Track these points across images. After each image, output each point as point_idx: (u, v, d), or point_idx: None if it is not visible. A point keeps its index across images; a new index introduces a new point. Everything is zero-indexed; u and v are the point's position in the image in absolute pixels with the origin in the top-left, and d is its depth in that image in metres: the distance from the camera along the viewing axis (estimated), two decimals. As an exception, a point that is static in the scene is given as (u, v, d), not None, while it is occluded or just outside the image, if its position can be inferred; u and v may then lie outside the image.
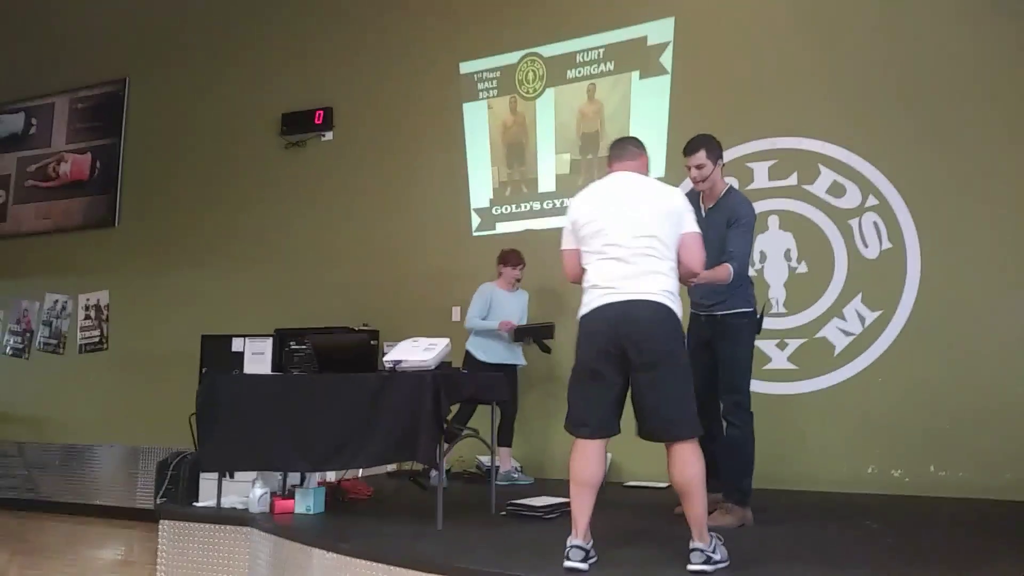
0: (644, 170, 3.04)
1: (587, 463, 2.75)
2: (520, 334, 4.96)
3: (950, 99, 4.67)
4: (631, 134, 5.51)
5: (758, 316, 3.60)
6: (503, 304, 5.05)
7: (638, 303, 2.71)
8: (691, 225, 2.87)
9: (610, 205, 2.84)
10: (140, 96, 7.59)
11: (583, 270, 2.89)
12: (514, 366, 5.04)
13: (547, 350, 5.10)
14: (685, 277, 2.94)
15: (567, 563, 2.66)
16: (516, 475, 4.96)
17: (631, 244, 2.76)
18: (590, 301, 2.79)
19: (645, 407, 2.74)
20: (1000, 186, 4.52)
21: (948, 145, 4.65)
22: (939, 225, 4.63)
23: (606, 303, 2.74)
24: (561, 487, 4.63)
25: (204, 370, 5.37)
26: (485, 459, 4.98)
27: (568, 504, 3.74)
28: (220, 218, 6.98)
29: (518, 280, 5.16)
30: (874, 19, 4.92)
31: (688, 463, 2.67)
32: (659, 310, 2.73)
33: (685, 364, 2.78)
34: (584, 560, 2.66)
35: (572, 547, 2.68)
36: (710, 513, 3.18)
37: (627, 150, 3.04)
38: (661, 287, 2.75)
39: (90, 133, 7.81)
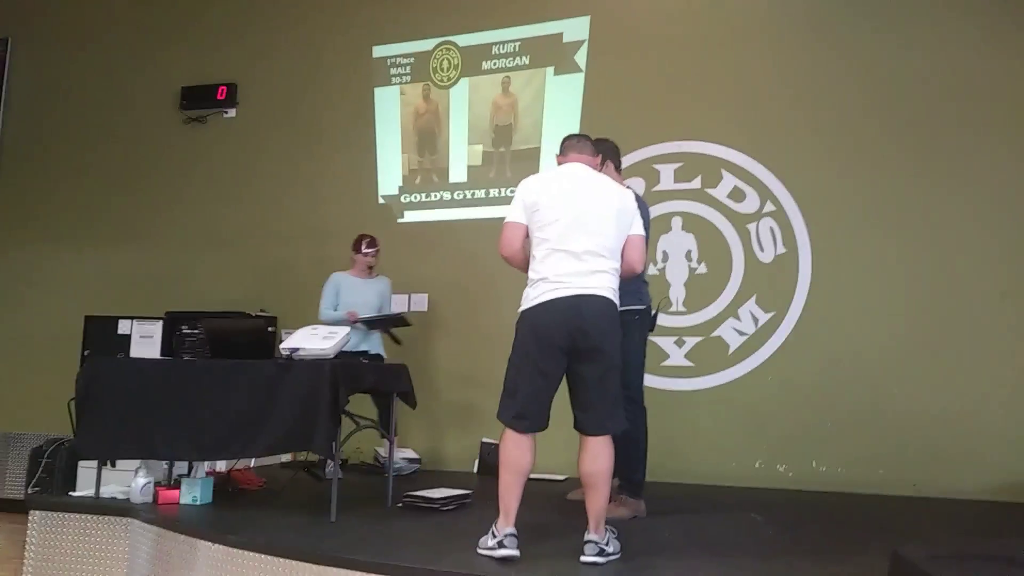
0: (596, 169, 3.07)
1: (523, 453, 2.76)
2: (371, 324, 4.80)
3: (846, 114, 4.91)
4: (544, 129, 5.58)
5: (652, 313, 3.69)
6: (354, 292, 4.87)
7: (589, 298, 2.73)
8: (639, 228, 2.93)
9: (569, 198, 2.82)
10: (23, 59, 7.04)
11: (523, 249, 2.88)
12: (377, 355, 4.86)
13: (397, 342, 5.01)
14: (626, 275, 2.98)
15: (502, 551, 2.65)
16: (399, 463, 4.79)
17: (584, 241, 2.76)
18: (539, 295, 2.76)
19: (588, 401, 2.76)
20: (888, 197, 4.79)
21: (842, 157, 4.89)
22: (830, 232, 4.87)
23: (557, 297, 2.73)
24: (457, 479, 4.64)
25: (87, 352, 5.07)
26: (383, 450, 4.91)
27: (466, 496, 3.78)
28: (111, 193, 6.58)
29: (371, 267, 4.99)
30: (777, 32, 5.12)
31: (601, 456, 2.73)
32: (608, 306, 2.78)
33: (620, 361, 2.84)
34: (516, 547, 2.68)
35: (507, 535, 2.68)
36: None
37: (586, 146, 3.06)
38: (608, 284, 2.79)
39: (-36, 96, 7.21)
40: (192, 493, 3.70)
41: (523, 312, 2.82)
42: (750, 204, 5.05)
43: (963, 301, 4.57)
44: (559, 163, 3.05)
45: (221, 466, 4.37)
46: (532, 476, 4.74)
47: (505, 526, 2.71)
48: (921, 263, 4.67)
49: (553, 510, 3.68)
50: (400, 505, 3.70)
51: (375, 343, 4.93)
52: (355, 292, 4.86)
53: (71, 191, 6.69)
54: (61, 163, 6.77)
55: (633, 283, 3.41)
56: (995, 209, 4.59)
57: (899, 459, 4.49)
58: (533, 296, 2.79)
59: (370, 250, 4.94)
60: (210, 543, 3.10)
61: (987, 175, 4.63)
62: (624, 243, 2.90)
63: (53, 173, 6.78)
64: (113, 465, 3.94)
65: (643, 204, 3.65)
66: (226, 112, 6.38)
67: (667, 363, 5.02)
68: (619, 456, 3.39)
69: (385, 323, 4.86)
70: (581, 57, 5.53)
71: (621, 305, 3.44)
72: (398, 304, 5.70)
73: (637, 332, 3.58)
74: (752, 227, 5.02)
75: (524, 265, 2.89)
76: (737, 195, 5.08)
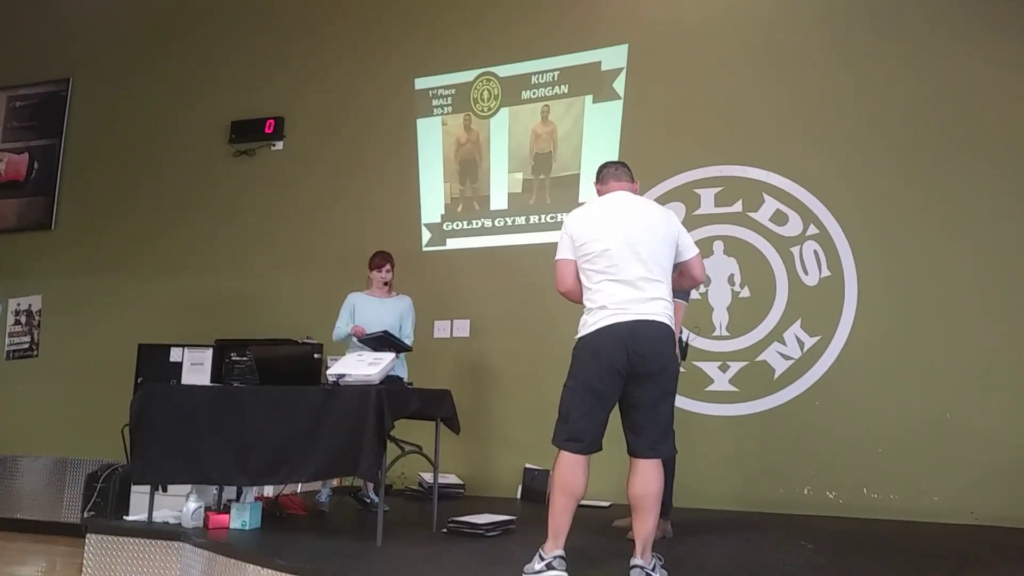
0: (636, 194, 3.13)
1: (579, 476, 2.77)
2: (367, 342, 4.48)
3: (889, 135, 4.86)
4: (583, 156, 5.63)
5: (684, 342, 3.70)
6: (369, 311, 4.70)
7: (647, 324, 2.77)
8: (692, 248, 3.00)
9: (616, 226, 2.86)
10: (84, 97, 7.37)
11: (579, 283, 2.92)
12: (397, 377, 4.61)
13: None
14: (690, 288, 3.13)
15: (551, 573, 2.69)
16: (367, 499, 4.51)
17: (637, 268, 2.81)
18: (597, 321, 2.79)
19: (641, 424, 2.79)
20: (933, 217, 4.71)
21: (886, 178, 4.84)
22: (875, 255, 4.80)
23: (616, 322, 2.76)
24: (501, 504, 4.64)
25: (140, 380, 5.21)
26: (428, 476, 4.93)
27: (510, 522, 3.77)
28: (162, 224, 6.80)
29: (386, 284, 4.81)
30: (820, 56, 5.10)
31: (651, 479, 2.75)
32: (666, 332, 2.82)
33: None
34: (565, 570, 2.71)
35: (556, 557, 2.71)
36: (631, 528, 3.32)
37: (624, 173, 3.12)
38: (664, 310, 2.83)
39: (29, 132, 7.54)
40: (241, 518, 3.77)
41: (582, 338, 2.85)
42: (793, 227, 5.00)
43: (1015, 322, 4.45)
44: (599, 192, 3.10)
45: (269, 491, 4.44)
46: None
47: (554, 548, 2.73)
48: (971, 284, 4.58)
49: (598, 536, 3.66)
50: (445, 530, 3.71)
51: (399, 367, 4.73)
52: (370, 311, 4.71)
53: (125, 222, 6.93)
54: (116, 195, 7.03)
55: None
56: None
57: (955, 485, 4.37)
58: (592, 322, 2.82)
59: (382, 268, 4.79)
60: (259, 567, 3.14)
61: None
62: (683, 266, 2.97)
63: (109, 205, 7.04)
64: (165, 490, 4.03)
65: None
66: (274, 145, 6.56)
67: (711, 388, 4.97)
68: None
69: (375, 342, 4.52)
70: (619, 84, 5.58)
71: None
72: (440, 330, 5.77)
73: None
74: (795, 250, 4.97)
75: (581, 298, 2.93)
76: (779, 218, 5.04)
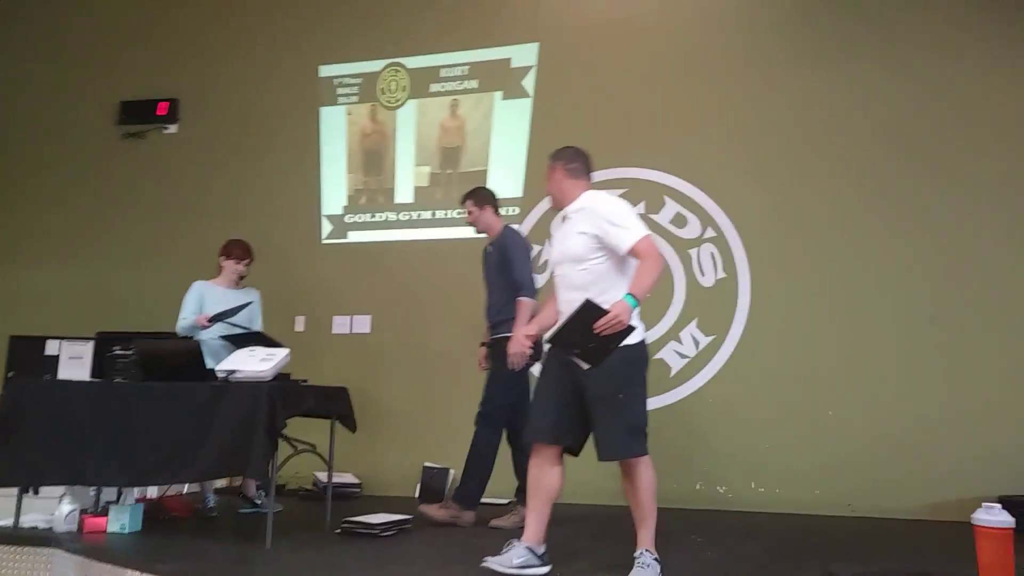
0: None
1: None
2: (214, 319, 4.24)
3: (785, 145, 5.07)
4: (491, 152, 5.61)
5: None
6: (219, 303, 4.36)
7: None
8: None
9: None
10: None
11: None
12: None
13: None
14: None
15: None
16: (258, 501, 4.38)
17: None
18: (640, 330, 2.85)
19: None
20: (823, 225, 4.94)
21: (780, 186, 5.04)
22: (768, 259, 4.99)
23: None
24: (398, 504, 4.57)
25: (10, 374, 4.85)
26: (324, 475, 4.81)
27: (406, 521, 3.72)
28: (41, 208, 6.38)
29: (242, 276, 4.54)
30: (721, 65, 5.27)
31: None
32: None
33: None
34: None
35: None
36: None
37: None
38: None
39: None
40: (120, 521, 3.56)
41: (642, 344, 2.88)
42: (692, 230, 5.14)
43: (895, 325, 4.72)
44: (588, 187, 3.25)
45: (153, 493, 4.23)
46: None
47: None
48: (854, 289, 4.82)
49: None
50: (338, 531, 3.61)
51: None
52: (220, 303, 4.37)
53: (3, 208, 6.46)
54: (-10, 177, 6.55)
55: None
56: (922, 237, 4.77)
57: (835, 479, 4.59)
58: (642, 330, 2.88)
59: (243, 260, 4.53)
60: (139, 573, 2.97)
61: (913, 201, 4.81)
62: None
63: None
64: (36, 492, 3.76)
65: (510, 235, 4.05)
66: (166, 128, 6.25)
67: (610, 386, 5.05)
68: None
69: (228, 315, 4.28)
70: (529, 83, 5.59)
71: (503, 332, 3.87)
72: (339, 326, 5.64)
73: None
74: (693, 252, 5.12)
75: None
76: (679, 221, 5.17)
